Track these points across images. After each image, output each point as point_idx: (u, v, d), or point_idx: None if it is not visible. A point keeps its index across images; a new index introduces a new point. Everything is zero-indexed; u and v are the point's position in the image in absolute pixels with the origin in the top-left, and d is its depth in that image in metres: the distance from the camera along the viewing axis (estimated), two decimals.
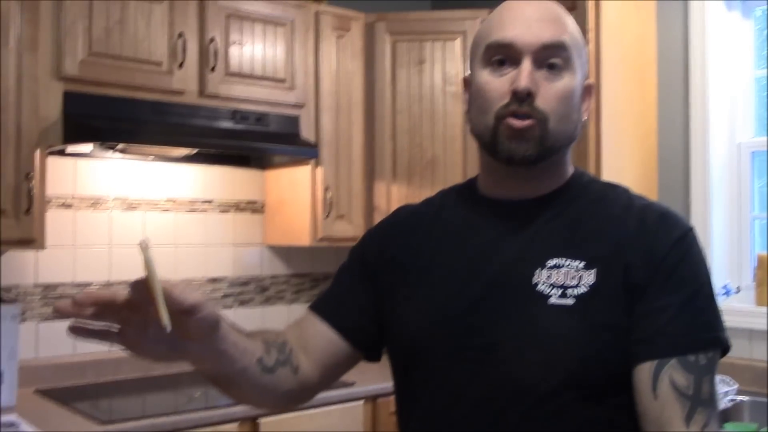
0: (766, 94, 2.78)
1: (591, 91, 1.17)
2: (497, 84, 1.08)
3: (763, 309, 2.53)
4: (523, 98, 1.05)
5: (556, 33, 1.08)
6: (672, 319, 1.01)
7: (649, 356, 1.00)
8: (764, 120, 2.79)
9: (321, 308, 1.23)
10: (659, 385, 0.99)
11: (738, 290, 2.62)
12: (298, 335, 1.21)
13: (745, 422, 2.42)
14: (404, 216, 1.27)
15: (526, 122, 1.06)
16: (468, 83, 1.16)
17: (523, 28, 1.07)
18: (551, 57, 1.07)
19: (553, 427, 1.02)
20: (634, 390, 1.02)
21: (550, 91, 1.07)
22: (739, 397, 2.41)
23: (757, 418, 2.41)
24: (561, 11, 1.13)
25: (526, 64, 1.06)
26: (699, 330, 1.02)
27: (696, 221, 2.71)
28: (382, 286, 1.20)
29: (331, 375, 1.22)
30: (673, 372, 0.99)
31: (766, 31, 2.80)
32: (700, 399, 0.99)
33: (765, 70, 2.79)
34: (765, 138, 2.74)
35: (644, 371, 1.00)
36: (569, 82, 1.09)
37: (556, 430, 1.02)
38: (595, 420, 1.03)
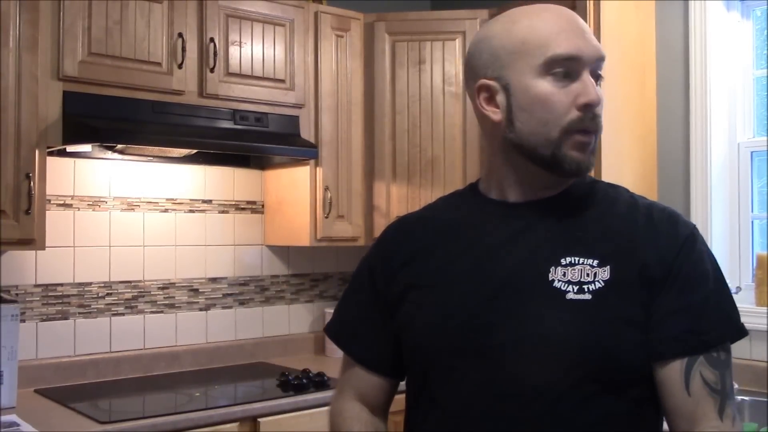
0: (766, 94, 2.77)
1: None
2: (562, 96, 1.09)
3: (763, 309, 2.53)
4: (595, 112, 1.09)
5: (599, 44, 1.12)
6: (698, 317, 1.05)
7: (679, 354, 1.04)
8: (764, 120, 2.78)
9: (354, 351, 1.29)
10: (692, 383, 1.04)
11: (738, 290, 2.62)
12: (359, 395, 1.28)
13: (745, 422, 2.42)
14: (406, 224, 1.30)
15: (591, 136, 1.10)
16: (489, 89, 1.14)
17: (582, 41, 1.10)
18: (598, 69, 1.12)
19: (574, 420, 1.05)
20: (661, 386, 1.06)
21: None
22: (739, 397, 2.41)
23: (757, 418, 2.41)
24: None
25: (588, 77, 1.10)
26: (723, 325, 1.07)
27: (696, 221, 2.71)
28: (393, 296, 1.22)
29: (389, 405, 1.31)
30: (703, 369, 1.04)
31: (766, 31, 2.80)
32: (726, 392, 1.05)
33: (765, 70, 2.79)
34: (765, 138, 2.74)
35: (675, 369, 1.04)
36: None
37: (577, 424, 1.05)
38: (614, 413, 1.06)
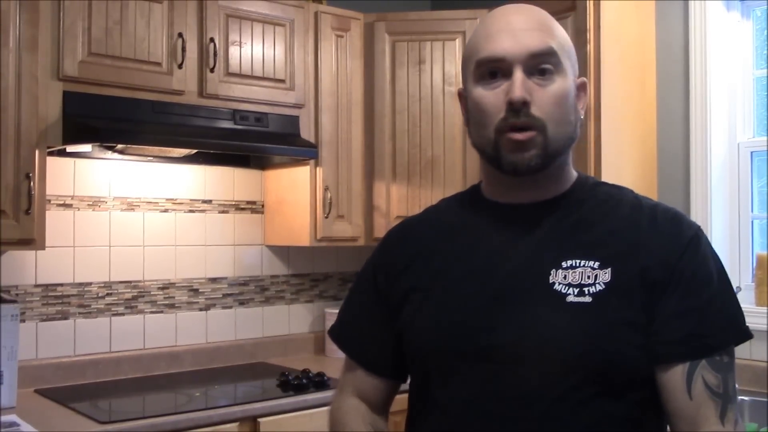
0: (766, 94, 2.77)
1: (585, 88, 1.18)
2: (492, 97, 1.10)
3: (763, 309, 2.53)
4: (518, 108, 1.07)
5: (543, 40, 1.10)
6: (702, 320, 1.05)
7: (683, 358, 1.04)
8: (764, 120, 2.78)
9: (356, 353, 1.29)
10: (694, 386, 1.03)
11: (738, 290, 2.62)
12: (359, 395, 1.28)
13: (745, 422, 2.42)
14: (409, 226, 1.30)
15: (527, 134, 1.08)
16: (463, 97, 1.19)
17: (510, 40, 1.09)
18: (541, 63, 1.09)
19: (574, 422, 1.05)
20: (663, 390, 1.05)
21: (544, 97, 1.09)
22: (740, 398, 2.41)
23: (757, 418, 2.41)
24: (545, 16, 1.14)
25: (518, 74, 1.08)
26: (727, 328, 1.07)
27: (696, 221, 2.70)
28: (396, 298, 1.22)
29: (389, 406, 1.31)
30: (705, 372, 1.04)
31: (766, 31, 2.80)
32: (728, 396, 1.05)
33: (765, 70, 2.79)
34: (765, 138, 2.74)
35: (677, 373, 1.04)
36: (562, 84, 1.10)
37: (577, 426, 1.05)
38: (614, 415, 1.06)
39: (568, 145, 1.14)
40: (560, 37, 1.13)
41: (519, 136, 1.08)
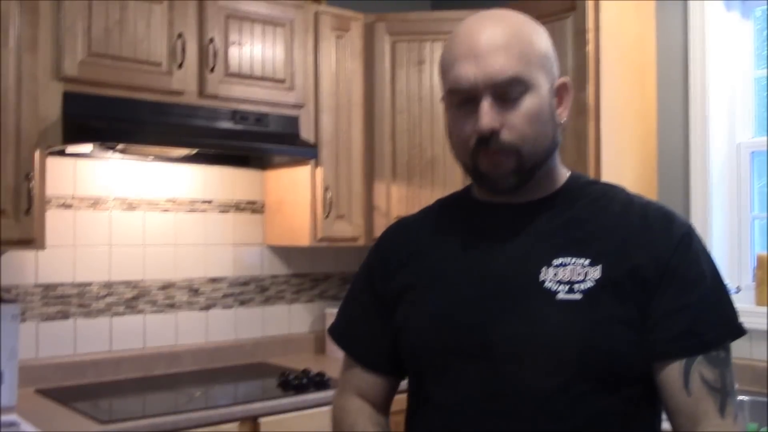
0: (766, 94, 2.77)
1: (566, 88, 1.16)
2: (463, 121, 1.11)
3: (763, 309, 2.53)
4: (487, 138, 1.07)
5: (506, 66, 1.07)
6: (696, 317, 1.05)
7: (679, 355, 1.05)
8: (764, 120, 2.78)
9: (354, 351, 1.29)
10: (691, 382, 1.04)
11: (738, 290, 2.62)
12: (361, 393, 1.27)
13: (745, 422, 2.42)
14: (404, 226, 1.31)
15: (499, 158, 1.09)
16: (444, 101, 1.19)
17: (474, 68, 1.07)
18: (507, 91, 1.08)
19: (566, 419, 1.05)
20: (662, 388, 1.06)
21: (515, 119, 1.08)
22: (739, 397, 2.41)
23: (757, 418, 2.41)
24: (514, 28, 1.11)
25: (484, 104, 1.07)
26: (722, 325, 1.08)
27: (696, 221, 2.71)
28: (391, 296, 1.23)
29: (390, 403, 1.31)
30: (702, 368, 1.04)
31: (766, 31, 2.80)
32: (726, 390, 1.05)
33: (765, 70, 2.79)
34: (765, 138, 2.74)
35: (674, 370, 1.05)
36: (533, 101, 1.09)
37: (571, 422, 1.05)
38: (607, 411, 1.06)
39: (548, 155, 1.14)
40: (531, 48, 1.10)
41: (494, 159, 1.09)
